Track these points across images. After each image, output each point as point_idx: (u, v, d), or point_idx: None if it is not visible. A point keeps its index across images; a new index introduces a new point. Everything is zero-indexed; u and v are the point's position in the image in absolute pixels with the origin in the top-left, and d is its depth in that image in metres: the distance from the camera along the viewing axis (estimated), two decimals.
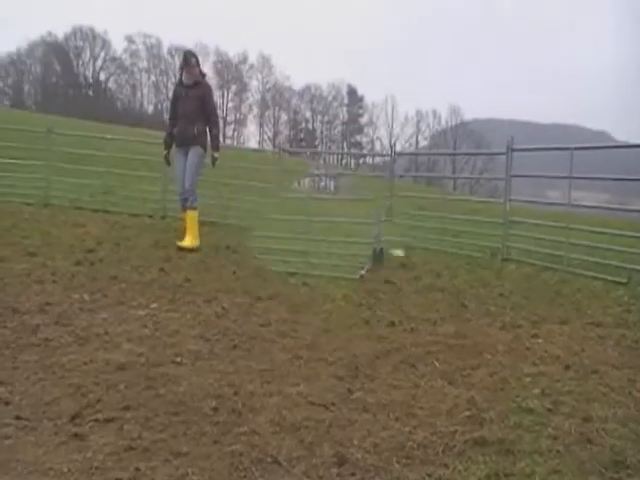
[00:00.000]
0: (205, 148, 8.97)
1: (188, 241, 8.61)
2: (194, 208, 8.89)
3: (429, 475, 2.81)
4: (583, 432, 3.24)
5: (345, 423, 3.31)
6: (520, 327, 5.34)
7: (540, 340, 4.96)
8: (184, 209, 9.00)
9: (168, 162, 9.24)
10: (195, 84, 9.04)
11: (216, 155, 8.94)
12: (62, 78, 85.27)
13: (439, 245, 10.03)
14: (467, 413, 3.47)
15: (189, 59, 9.16)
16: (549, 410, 3.53)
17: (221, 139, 9.54)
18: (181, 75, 9.19)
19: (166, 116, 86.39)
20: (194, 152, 8.87)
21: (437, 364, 4.30)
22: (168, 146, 9.16)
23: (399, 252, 9.21)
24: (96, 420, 3.20)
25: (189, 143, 8.90)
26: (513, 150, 9.29)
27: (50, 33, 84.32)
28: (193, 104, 8.96)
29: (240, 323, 5.09)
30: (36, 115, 48.54)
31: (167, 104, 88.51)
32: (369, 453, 2.99)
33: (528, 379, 4.05)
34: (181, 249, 8.37)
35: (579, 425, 3.33)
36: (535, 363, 4.40)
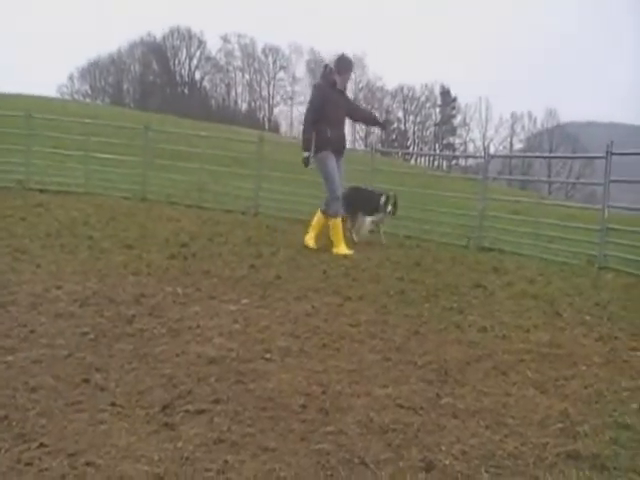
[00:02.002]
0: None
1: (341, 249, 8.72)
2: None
3: None
4: None
5: (433, 428, 3.26)
6: (617, 339, 5.13)
7: (639, 353, 4.76)
8: (343, 215, 9.10)
9: (306, 164, 8.89)
10: (344, 91, 9.15)
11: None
12: (159, 77, 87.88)
13: (533, 250, 9.80)
14: (560, 425, 3.36)
15: (352, 66, 9.36)
16: None
17: None
18: (334, 78, 8.93)
19: (259, 114, 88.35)
20: (342, 160, 9.02)
21: (529, 373, 4.18)
22: (310, 148, 8.83)
23: None
24: (187, 411, 3.26)
25: (343, 150, 9.03)
26: (612, 154, 8.97)
27: (149, 34, 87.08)
28: (344, 111, 9.08)
29: (330, 322, 5.10)
30: (134, 112, 50.13)
31: (260, 102, 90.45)
32: (457, 460, 2.94)
33: (626, 393, 3.89)
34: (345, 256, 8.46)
35: None
36: (633, 377, 4.22)
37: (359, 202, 9.79)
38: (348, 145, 9.52)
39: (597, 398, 3.79)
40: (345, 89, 9.16)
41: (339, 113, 8.97)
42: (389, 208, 9.65)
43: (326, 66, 9.25)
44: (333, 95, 8.80)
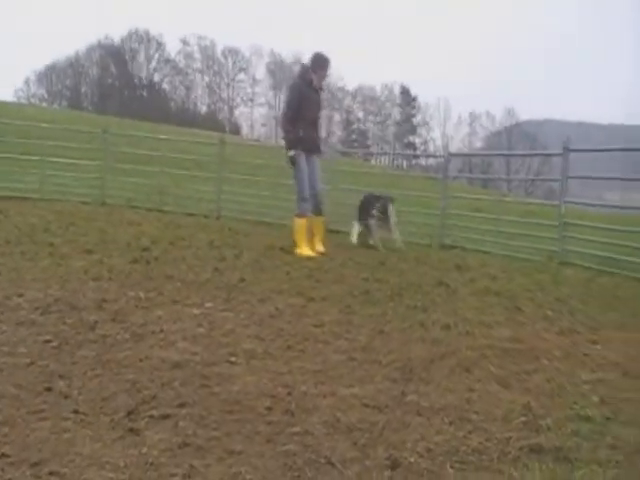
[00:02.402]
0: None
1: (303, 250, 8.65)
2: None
3: None
4: None
5: (399, 426, 3.28)
6: (578, 332, 5.23)
7: (598, 346, 4.85)
8: (316, 212, 9.03)
9: (293, 163, 8.85)
10: (320, 89, 9.10)
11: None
12: (118, 80, 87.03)
13: (494, 247, 9.93)
14: (523, 419, 3.40)
15: (329, 64, 9.13)
16: (608, 418, 3.44)
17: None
18: (310, 76, 8.91)
19: (219, 116, 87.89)
20: (317, 157, 8.99)
21: (492, 368, 4.23)
22: (294, 147, 8.82)
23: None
24: (151, 416, 3.23)
25: (316, 149, 8.99)
26: (570, 151, 9.13)
27: (107, 36, 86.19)
28: (318, 109, 9.08)
29: (294, 324, 5.10)
30: (92, 116, 49.57)
31: (220, 104, 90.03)
32: (422, 457, 2.96)
33: (586, 386, 3.95)
34: (322, 254, 8.55)
35: (639, 434, 3.23)
36: (593, 370, 4.30)
37: (363, 209, 9.86)
38: None
39: (559, 391, 3.85)
40: (321, 88, 9.16)
41: (313, 112, 9.00)
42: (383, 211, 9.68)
43: (303, 65, 9.30)
44: (309, 94, 8.82)
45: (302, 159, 8.76)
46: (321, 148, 9.08)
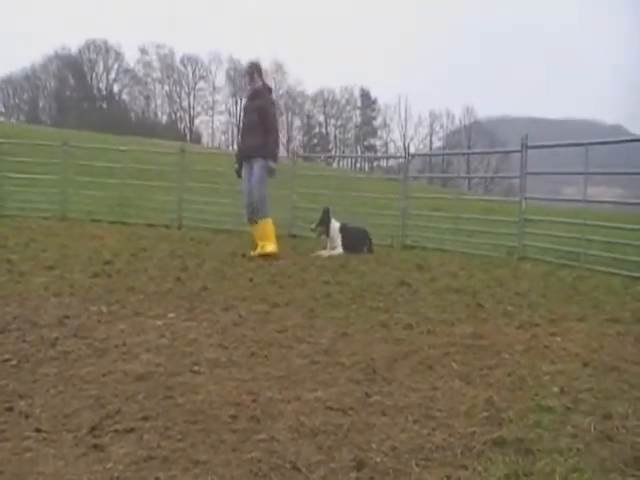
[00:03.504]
0: (266, 159, 8.92)
1: (269, 247, 8.76)
2: (266, 216, 8.97)
3: (448, 477, 2.79)
4: (603, 430, 3.21)
5: (363, 427, 3.31)
6: (538, 326, 5.31)
7: (558, 338, 4.93)
8: (251, 221, 9.10)
9: (239, 175, 9.20)
10: (254, 95, 9.09)
11: (272, 165, 8.91)
12: (76, 91, 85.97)
13: (454, 246, 10.03)
14: (485, 414, 3.45)
15: (247, 70, 9.28)
16: (568, 408, 3.50)
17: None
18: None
19: (180, 125, 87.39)
20: (257, 165, 8.88)
21: (455, 365, 4.28)
22: (238, 160, 9.18)
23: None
24: (115, 431, 3.21)
25: (250, 155, 8.95)
26: (528, 147, 9.26)
27: (64, 47, 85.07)
28: (252, 116, 9.02)
29: (257, 330, 5.10)
30: (51, 129, 48.95)
31: (181, 113, 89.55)
32: (388, 456, 2.98)
33: (547, 377, 4.02)
34: (263, 256, 8.56)
35: (599, 423, 3.29)
36: (553, 361, 4.37)
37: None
38: None
39: (520, 384, 3.92)
40: (255, 94, 9.16)
41: (248, 119, 9.16)
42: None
43: None
44: (246, 103, 9.14)
45: (243, 170, 9.05)
46: (261, 152, 8.91)
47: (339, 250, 9.42)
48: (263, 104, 9.00)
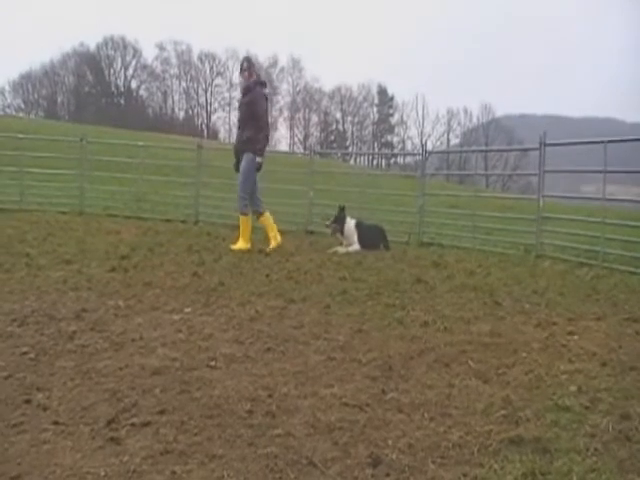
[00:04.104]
0: (256, 153, 9.06)
1: (240, 243, 9.06)
2: (243, 214, 9.17)
3: (464, 475, 2.78)
4: (621, 430, 3.18)
5: (379, 424, 3.30)
6: (555, 324, 5.27)
7: (576, 337, 4.89)
8: (257, 214, 9.36)
9: (236, 170, 9.37)
10: (246, 90, 9.28)
11: (259, 160, 9.07)
12: (94, 88, 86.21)
13: (472, 243, 9.98)
14: (502, 412, 3.43)
15: (240, 66, 9.44)
16: (586, 408, 3.48)
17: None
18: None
19: (197, 121, 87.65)
20: (245, 158, 9.07)
21: (471, 363, 4.26)
22: (235, 155, 9.37)
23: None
24: (132, 424, 3.23)
25: (240, 149, 9.15)
26: (546, 145, 9.19)
27: (82, 44, 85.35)
28: (243, 110, 9.26)
29: (274, 326, 5.11)
30: (69, 125, 49.22)
31: (198, 110, 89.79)
32: (404, 453, 2.98)
33: (564, 377, 3.99)
34: (232, 251, 8.79)
35: (617, 423, 3.26)
36: (571, 360, 4.34)
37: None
38: (285, 147, 9.72)
39: (537, 383, 3.89)
40: (246, 89, 9.32)
41: (241, 114, 9.39)
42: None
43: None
44: (240, 99, 9.32)
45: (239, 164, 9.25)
46: (249, 147, 9.08)
47: (356, 247, 9.40)
48: (253, 99, 9.13)
